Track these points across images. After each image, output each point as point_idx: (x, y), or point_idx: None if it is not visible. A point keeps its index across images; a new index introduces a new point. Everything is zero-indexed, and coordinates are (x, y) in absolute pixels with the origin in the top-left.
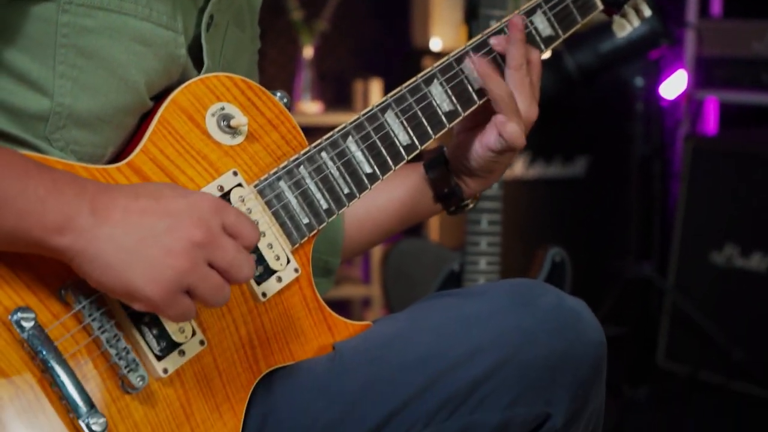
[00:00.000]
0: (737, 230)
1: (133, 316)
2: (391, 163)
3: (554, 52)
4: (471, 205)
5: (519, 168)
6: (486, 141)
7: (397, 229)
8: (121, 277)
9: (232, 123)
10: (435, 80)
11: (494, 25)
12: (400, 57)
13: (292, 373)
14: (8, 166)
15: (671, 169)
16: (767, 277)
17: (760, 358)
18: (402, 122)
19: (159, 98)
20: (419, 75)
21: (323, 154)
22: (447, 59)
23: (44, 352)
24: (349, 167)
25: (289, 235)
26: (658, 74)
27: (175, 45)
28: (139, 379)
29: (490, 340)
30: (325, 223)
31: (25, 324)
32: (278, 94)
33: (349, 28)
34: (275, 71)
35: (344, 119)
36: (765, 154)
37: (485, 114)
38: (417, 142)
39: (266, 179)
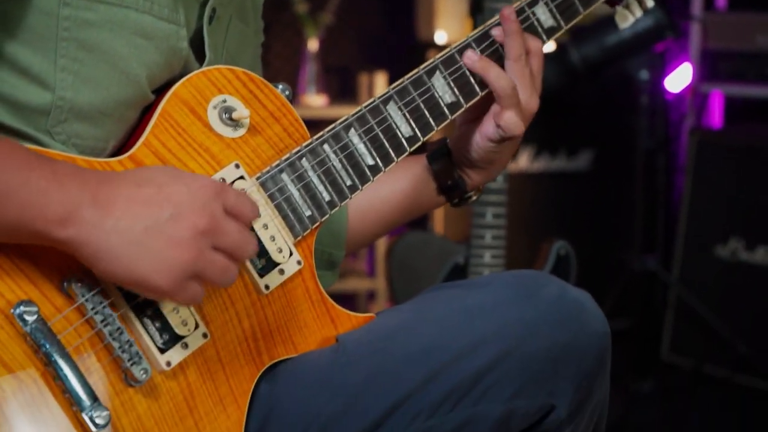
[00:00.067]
0: (742, 224)
1: (135, 308)
2: (393, 154)
3: (559, 46)
4: (474, 198)
5: (524, 161)
6: (485, 131)
7: (400, 221)
8: (129, 268)
9: (234, 115)
10: (437, 72)
11: (495, 17)
12: (404, 50)
13: (295, 365)
14: (10, 157)
15: (676, 162)
16: None
17: (765, 351)
18: (404, 114)
19: (161, 91)
20: (421, 67)
21: (325, 146)
22: (449, 51)
23: (47, 346)
24: (352, 159)
25: (291, 228)
26: (663, 67)
27: (176, 38)
28: (142, 371)
29: (494, 332)
30: (327, 216)
31: (27, 317)
32: (280, 86)
33: (354, 21)
34: (280, 64)
35: (349, 112)
36: None
37: (488, 105)
38: (419, 134)
39: (268, 172)
